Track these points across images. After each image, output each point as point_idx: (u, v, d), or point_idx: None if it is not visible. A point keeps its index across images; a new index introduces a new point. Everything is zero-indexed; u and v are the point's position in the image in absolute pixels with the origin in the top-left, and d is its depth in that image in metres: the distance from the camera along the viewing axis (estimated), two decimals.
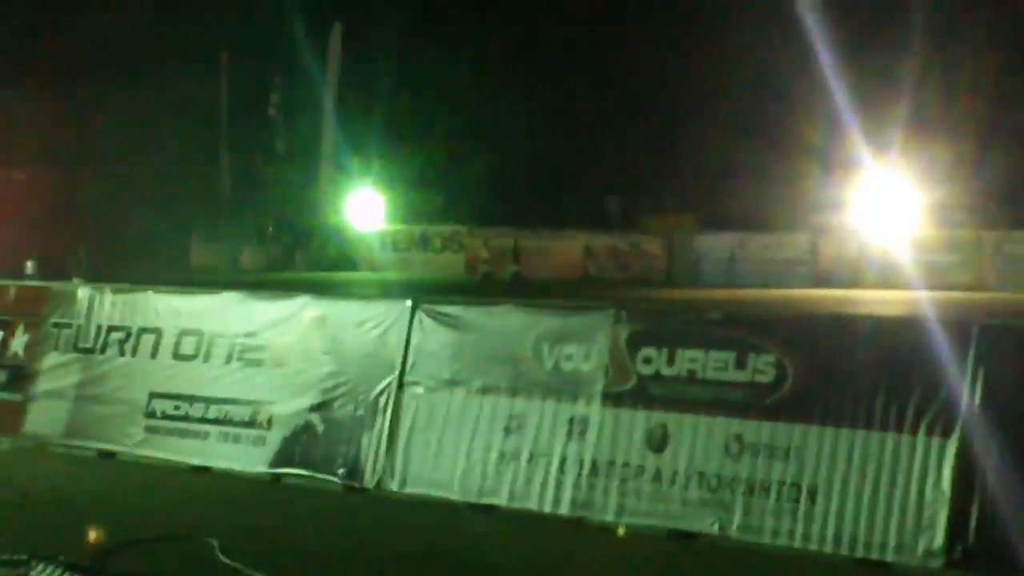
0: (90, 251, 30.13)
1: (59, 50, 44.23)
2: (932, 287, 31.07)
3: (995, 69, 43.90)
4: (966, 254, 38.26)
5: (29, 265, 27.43)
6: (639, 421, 9.73)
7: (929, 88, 42.82)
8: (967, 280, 36.37)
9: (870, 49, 41.41)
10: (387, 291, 27.64)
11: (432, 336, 10.88)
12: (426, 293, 16.25)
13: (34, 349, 13.14)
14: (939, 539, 8.56)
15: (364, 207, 47.87)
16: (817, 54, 37.74)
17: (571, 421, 9.97)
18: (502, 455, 10.21)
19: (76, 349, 12.86)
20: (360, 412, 11.00)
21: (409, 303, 11.11)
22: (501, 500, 10.10)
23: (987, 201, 41.22)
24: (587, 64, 48.69)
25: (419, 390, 10.78)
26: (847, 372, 9.19)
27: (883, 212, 40.72)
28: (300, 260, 46.87)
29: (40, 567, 7.88)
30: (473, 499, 10.21)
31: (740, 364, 9.49)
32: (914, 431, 8.82)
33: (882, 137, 40.65)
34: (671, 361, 9.75)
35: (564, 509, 9.81)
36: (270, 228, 49.13)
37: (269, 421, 11.46)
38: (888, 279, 36.52)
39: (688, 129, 47.86)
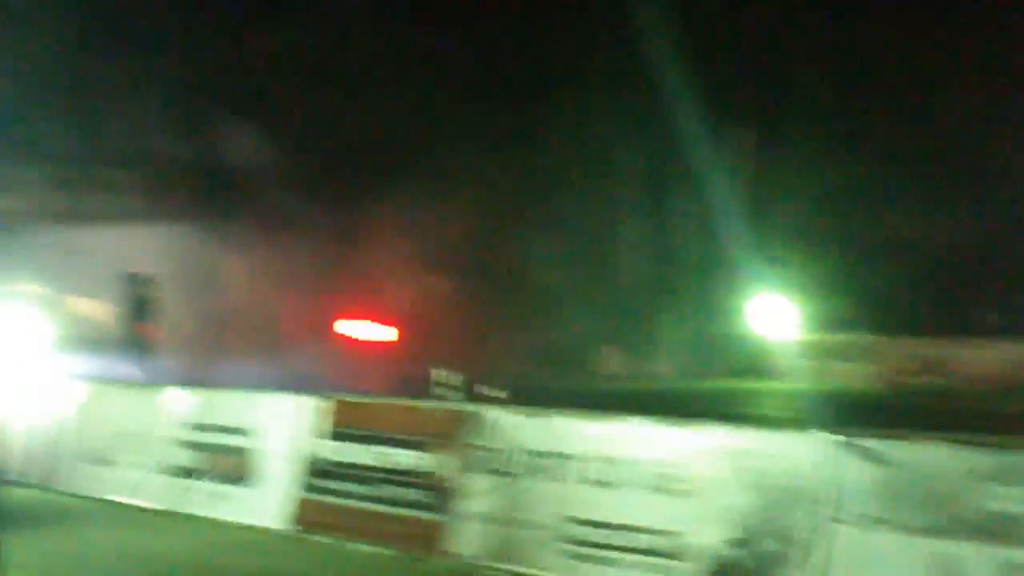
0: (507, 363, 30.66)
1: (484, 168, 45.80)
2: None
3: None
4: None
5: (445, 376, 27.96)
6: None
7: None
8: None
9: None
10: (802, 409, 27.13)
11: (856, 471, 10.46)
12: (844, 414, 15.80)
13: (453, 471, 13.35)
14: None
15: (774, 315, 47.44)
16: None
17: (1009, 568, 9.41)
18: None
19: (493, 472, 13.00)
20: (783, 548, 10.67)
21: (832, 436, 10.78)
22: None
23: None
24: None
25: (844, 528, 10.39)
26: None
27: None
28: (713, 367, 46.69)
29: None
30: None
31: None
32: None
33: None
34: None
35: None
36: (680, 336, 49.21)
37: (688, 553, 11.24)
38: None
39: None
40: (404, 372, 33.62)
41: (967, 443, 10.22)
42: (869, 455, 10.50)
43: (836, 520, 10.48)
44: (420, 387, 25.47)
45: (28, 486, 17.76)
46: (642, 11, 44.08)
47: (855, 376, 45.03)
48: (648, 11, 43.91)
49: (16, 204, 44.81)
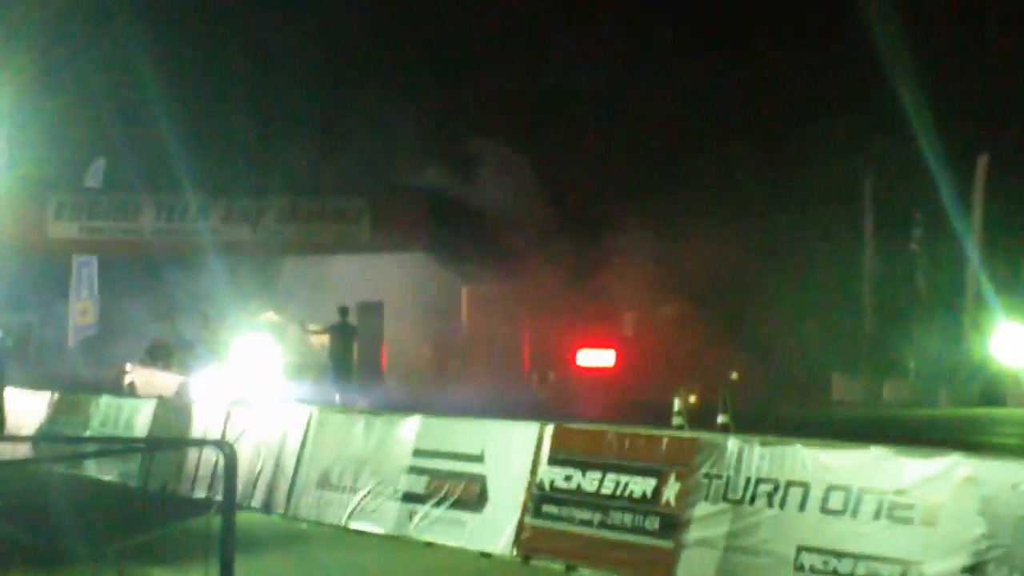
0: (735, 388, 30.53)
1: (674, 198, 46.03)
2: None
3: None
4: None
5: (676, 403, 27.98)
6: None
7: None
8: None
9: None
10: None
11: None
12: None
13: (685, 498, 13.38)
14: None
15: (1011, 342, 46.62)
16: None
17: None
18: None
19: (725, 500, 13.00)
20: None
21: None
22: None
23: None
24: None
25: None
26: None
27: None
28: (944, 396, 45.99)
29: None
30: None
31: None
32: None
33: None
34: None
35: None
36: (912, 363, 48.64)
37: None
38: None
39: None
40: (635, 398, 33.76)
41: None
42: None
43: None
44: (650, 412, 25.47)
45: (250, 509, 18.24)
46: (881, 41, 43.79)
47: None
48: (886, 40, 43.62)
49: (246, 234, 45.98)
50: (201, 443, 19.58)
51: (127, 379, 38.62)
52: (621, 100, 49.47)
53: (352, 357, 37.49)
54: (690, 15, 55.13)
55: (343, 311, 37.53)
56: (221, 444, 8.22)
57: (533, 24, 54.72)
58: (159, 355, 39.96)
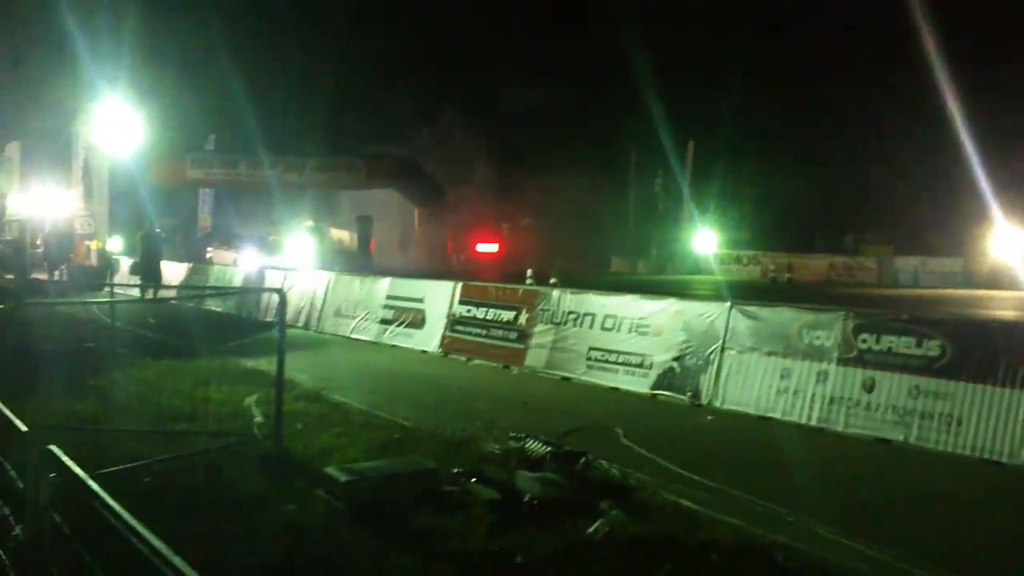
0: (560, 264, 30.67)
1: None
2: None
3: None
4: None
5: (529, 272, 28.06)
6: (858, 375, 9.19)
7: None
8: None
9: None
10: (717, 291, 27.00)
11: (740, 322, 10.53)
12: (737, 293, 15.81)
13: (531, 322, 13.43)
14: None
15: (706, 240, 47.45)
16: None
17: (818, 373, 9.51)
18: (779, 390, 9.79)
19: (552, 323, 13.08)
20: (700, 362, 10.78)
21: (728, 304, 10.83)
22: (777, 414, 9.69)
23: None
24: (853, 144, 46.93)
25: (733, 352, 10.48)
26: (983, 349, 8.48)
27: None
28: (670, 269, 46.76)
29: (532, 440, 8.02)
30: (761, 413, 9.86)
31: (918, 344, 8.87)
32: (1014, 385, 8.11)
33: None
34: (878, 341, 9.18)
35: (813, 422, 9.35)
36: (654, 251, 49.32)
37: (651, 364, 11.38)
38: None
39: (897, 193, 45.38)
40: (507, 269, 33.85)
41: (800, 308, 10.31)
42: (748, 314, 10.60)
43: (728, 348, 10.60)
44: (515, 277, 25.53)
45: (296, 327, 18.03)
46: (638, 74, 43.58)
47: (747, 274, 44.91)
48: (641, 74, 43.38)
49: (296, 178, 45.20)
50: (269, 290, 19.37)
51: (208, 255, 38.45)
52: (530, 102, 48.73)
53: (369, 247, 38.32)
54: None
55: (362, 220, 37.85)
56: (279, 290, 8.12)
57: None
58: (225, 242, 39.75)
